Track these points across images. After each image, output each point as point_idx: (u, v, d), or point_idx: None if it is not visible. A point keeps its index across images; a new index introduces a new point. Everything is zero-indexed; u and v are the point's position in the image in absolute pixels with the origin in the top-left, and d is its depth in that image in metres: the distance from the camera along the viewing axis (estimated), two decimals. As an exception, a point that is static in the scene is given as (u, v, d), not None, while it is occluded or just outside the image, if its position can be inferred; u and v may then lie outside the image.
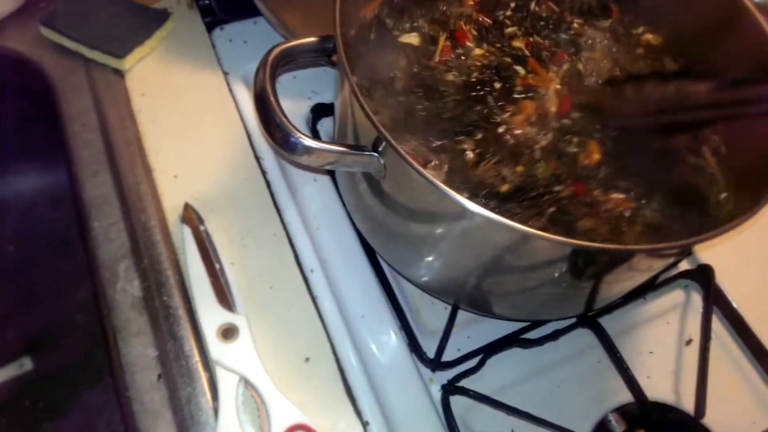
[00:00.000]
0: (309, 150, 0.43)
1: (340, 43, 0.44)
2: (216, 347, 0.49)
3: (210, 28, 0.71)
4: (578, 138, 0.52)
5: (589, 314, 0.57)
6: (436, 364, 0.53)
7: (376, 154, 0.43)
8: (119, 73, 0.66)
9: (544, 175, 0.49)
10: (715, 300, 0.61)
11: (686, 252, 0.61)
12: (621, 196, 0.49)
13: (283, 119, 0.43)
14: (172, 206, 0.58)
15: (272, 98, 0.43)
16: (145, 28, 0.67)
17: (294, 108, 0.68)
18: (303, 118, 0.67)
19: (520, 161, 0.50)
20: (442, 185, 0.39)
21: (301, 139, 0.43)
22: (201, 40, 0.70)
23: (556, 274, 0.45)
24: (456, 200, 0.38)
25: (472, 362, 0.55)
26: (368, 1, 0.54)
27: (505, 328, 0.57)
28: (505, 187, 0.48)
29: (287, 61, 0.47)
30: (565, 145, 0.51)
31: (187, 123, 0.63)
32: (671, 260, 0.59)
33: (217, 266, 0.54)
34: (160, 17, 0.68)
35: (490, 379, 0.55)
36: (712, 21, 0.55)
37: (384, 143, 0.42)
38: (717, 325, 0.61)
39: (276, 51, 0.46)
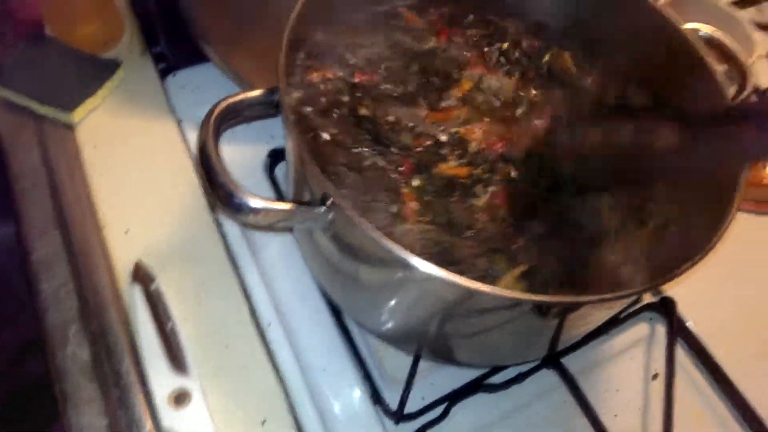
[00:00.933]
0: (254, 210, 0.42)
1: (286, 101, 0.43)
2: (168, 414, 0.47)
3: (163, 74, 0.71)
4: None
5: (553, 354, 0.56)
6: (399, 416, 0.52)
7: (324, 209, 0.43)
8: (69, 127, 0.64)
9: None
10: (678, 332, 0.61)
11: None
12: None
13: (226, 178, 0.41)
14: (122, 264, 0.56)
15: (214, 157, 0.42)
16: (95, 78, 0.66)
17: (251, 154, 0.67)
18: (260, 164, 0.66)
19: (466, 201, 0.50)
20: (386, 240, 0.38)
21: (245, 200, 0.41)
22: (153, 88, 0.69)
23: (513, 323, 0.45)
24: (399, 256, 0.38)
25: (437, 411, 0.53)
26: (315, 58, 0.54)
27: (469, 373, 0.56)
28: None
29: (233, 115, 0.46)
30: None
31: (140, 174, 0.62)
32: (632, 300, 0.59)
33: (169, 325, 0.52)
34: (110, 67, 0.67)
35: (456, 427, 0.54)
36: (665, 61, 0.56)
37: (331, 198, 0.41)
38: (682, 357, 0.60)
39: (220, 107, 0.45)
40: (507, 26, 0.62)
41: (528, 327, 0.46)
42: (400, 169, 0.52)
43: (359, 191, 0.48)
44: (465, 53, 0.60)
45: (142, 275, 0.54)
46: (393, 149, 0.52)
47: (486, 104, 0.57)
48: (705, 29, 0.54)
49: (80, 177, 0.62)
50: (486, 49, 0.60)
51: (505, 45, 0.61)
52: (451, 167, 0.53)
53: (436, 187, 0.51)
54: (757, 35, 0.73)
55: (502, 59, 0.60)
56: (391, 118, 0.54)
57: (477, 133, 0.55)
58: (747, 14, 0.88)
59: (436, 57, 0.59)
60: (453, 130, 0.55)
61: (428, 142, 0.54)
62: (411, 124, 0.54)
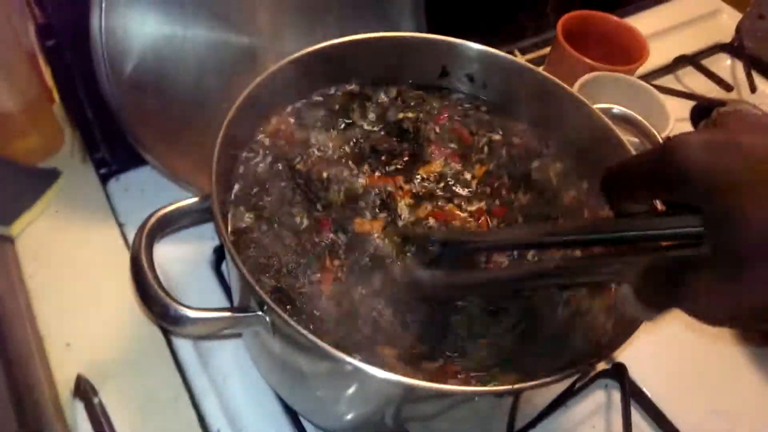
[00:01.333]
0: (192, 321, 0.42)
1: (217, 211, 0.44)
2: None
3: (105, 179, 0.71)
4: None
5: (513, 432, 0.56)
6: None
7: (261, 314, 0.43)
8: (8, 239, 0.64)
9: None
10: (633, 395, 0.61)
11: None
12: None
13: (160, 292, 0.41)
14: (64, 379, 0.54)
15: (147, 270, 0.42)
16: (33, 189, 0.65)
17: (197, 251, 0.66)
18: (206, 261, 0.66)
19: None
20: (320, 341, 0.38)
21: (181, 311, 0.41)
22: (95, 194, 0.69)
23: (463, 410, 0.45)
24: (339, 357, 0.38)
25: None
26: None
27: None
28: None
29: (167, 225, 0.47)
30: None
31: (82, 284, 0.61)
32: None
33: (114, 442, 0.50)
34: (49, 177, 0.67)
35: None
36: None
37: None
38: (639, 420, 0.61)
39: (153, 218, 0.46)
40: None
41: (481, 411, 0.46)
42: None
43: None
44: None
45: (83, 389, 0.53)
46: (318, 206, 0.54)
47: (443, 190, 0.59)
48: (617, 107, 0.57)
49: (20, 289, 0.60)
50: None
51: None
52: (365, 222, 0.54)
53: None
54: (672, 103, 0.78)
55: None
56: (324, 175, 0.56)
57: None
58: (664, 82, 0.94)
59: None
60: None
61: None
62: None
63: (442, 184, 0.59)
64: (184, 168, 0.64)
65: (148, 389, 0.55)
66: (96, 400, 0.53)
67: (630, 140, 0.54)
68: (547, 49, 0.87)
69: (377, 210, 0.55)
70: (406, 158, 0.60)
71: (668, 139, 0.41)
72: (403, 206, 0.56)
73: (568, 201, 0.57)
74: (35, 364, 0.56)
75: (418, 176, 0.59)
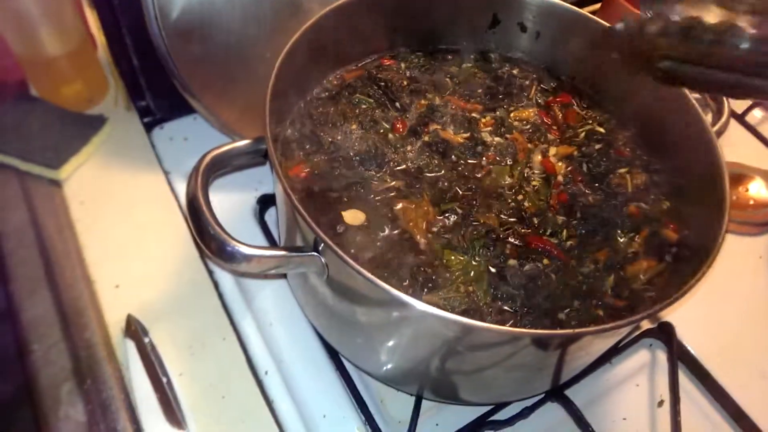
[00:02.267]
0: (247, 258, 0.42)
1: (272, 149, 0.43)
2: (166, 472, 0.46)
3: (149, 128, 0.71)
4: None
5: (557, 387, 0.56)
6: (404, 459, 0.51)
7: (316, 254, 0.42)
8: (56, 183, 0.64)
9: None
10: (679, 356, 0.60)
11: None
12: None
13: (217, 229, 0.41)
14: (114, 319, 0.55)
15: (205, 208, 0.42)
16: (80, 135, 0.66)
17: (240, 200, 0.67)
18: (250, 210, 0.66)
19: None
20: (381, 282, 0.37)
21: (237, 248, 0.41)
22: (140, 142, 0.69)
23: (513, 358, 0.44)
24: (395, 296, 0.37)
25: (443, 452, 0.52)
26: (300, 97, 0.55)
27: (473, 411, 0.55)
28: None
29: (221, 166, 0.47)
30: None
31: (129, 228, 0.62)
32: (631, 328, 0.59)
33: (164, 380, 0.51)
34: (95, 123, 0.67)
35: (462, 467, 0.52)
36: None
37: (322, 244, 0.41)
38: (686, 382, 0.60)
39: (207, 158, 0.45)
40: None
41: (529, 361, 0.46)
42: (398, 126, 0.55)
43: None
44: None
45: (134, 330, 0.54)
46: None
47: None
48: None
49: (69, 234, 0.61)
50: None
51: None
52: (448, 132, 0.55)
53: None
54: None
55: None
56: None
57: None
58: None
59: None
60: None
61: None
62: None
63: (529, 127, 0.59)
64: (230, 117, 0.64)
65: (197, 330, 0.55)
66: (146, 340, 0.53)
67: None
68: (597, 6, 0.85)
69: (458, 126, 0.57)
70: (500, 96, 0.61)
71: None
72: (486, 132, 0.57)
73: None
74: (86, 304, 0.56)
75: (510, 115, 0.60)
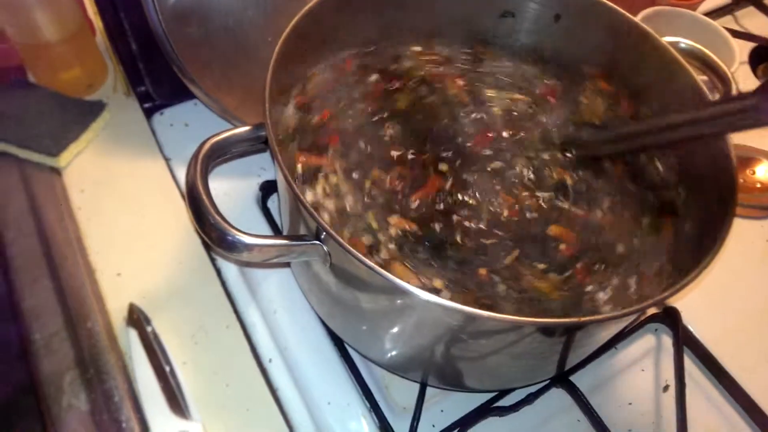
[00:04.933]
0: (249, 247, 0.41)
1: (272, 135, 0.42)
2: (171, 461, 0.46)
3: (149, 113, 0.70)
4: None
5: (562, 373, 0.55)
6: (409, 446, 0.51)
7: (318, 243, 0.42)
8: (56, 171, 0.64)
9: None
10: (685, 342, 0.60)
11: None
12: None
13: (218, 218, 0.41)
14: (116, 308, 0.55)
15: (204, 196, 0.42)
16: (79, 122, 0.65)
17: (242, 187, 0.66)
18: (253, 197, 0.66)
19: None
20: (384, 271, 0.37)
21: (238, 237, 0.41)
22: (140, 128, 0.68)
23: (518, 345, 0.44)
24: (398, 285, 0.37)
25: (448, 439, 0.52)
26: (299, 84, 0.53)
27: (478, 397, 0.55)
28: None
29: (221, 153, 0.46)
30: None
31: (130, 216, 0.61)
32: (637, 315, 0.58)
33: (168, 369, 0.51)
34: (95, 109, 0.66)
35: (468, 454, 0.52)
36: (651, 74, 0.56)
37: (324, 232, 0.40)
38: (692, 367, 0.60)
39: (207, 145, 0.45)
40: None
41: (534, 348, 0.45)
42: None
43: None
44: None
45: (136, 318, 0.53)
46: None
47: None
48: (685, 42, 0.54)
49: (69, 221, 0.61)
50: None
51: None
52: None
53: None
54: (736, 43, 0.74)
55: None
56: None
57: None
58: (723, 23, 0.88)
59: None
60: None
61: None
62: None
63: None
64: (230, 102, 0.63)
65: (200, 318, 0.55)
66: (149, 329, 0.53)
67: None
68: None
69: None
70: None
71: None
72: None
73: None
74: (88, 293, 0.56)
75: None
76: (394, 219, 0.52)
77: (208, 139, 0.45)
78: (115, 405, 0.50)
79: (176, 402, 0.49)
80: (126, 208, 0.62)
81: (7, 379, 0.64)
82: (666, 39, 0.54)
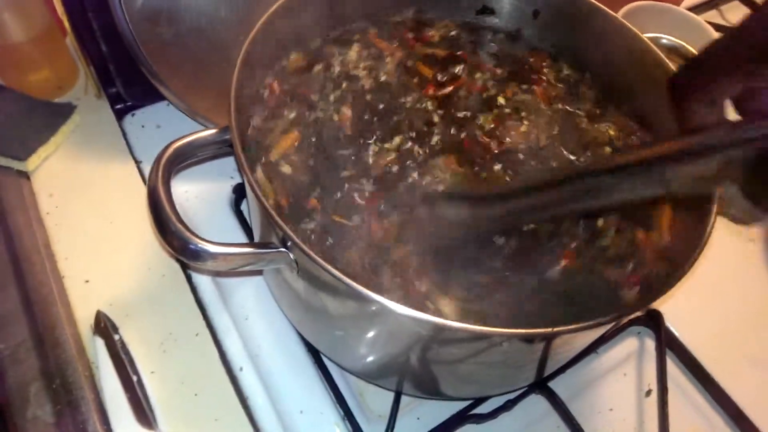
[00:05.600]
0: (213, 256, 0.40)
1: (237, 140, 0.41)
2: (135, 475, 0.45)
3: (121, 115, 0.68)
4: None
5: (541, 379, 0.54)
6: (384, 455, 0.50)
7: (285, 250, 0.41)
8: (24, 175, 0.62)
9: None
10: (668, 344, 0.59)
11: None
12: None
13: (179, 225, 0.39)
14: (84, 316, 0.54)
15: (166, 202, 0.40)
16: (48, 124, 0.63)
17: (215, 189, 0.65)
18: (226, 199, 0.64)
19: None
20: (348, 279, 0.36)
21: (201, 246, 0.39)
22: (111, 130, 0.67)
23: (494, 355, 0.43)
24: (363, 293, 0.36)
25: (424, 448, 0.51)
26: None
27: (455, 404, 0.54)
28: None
29: (185, 158, 0.44)
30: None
31: (99, 220, 0.60)
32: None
33: (135, 378, 0.50)
34: (64, 111, 0.65)
35: (445, 463, 0.51)
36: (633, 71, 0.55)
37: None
38: (674, 370, 0.59)
39: (170, 149, 0.43)
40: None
41: (510, 356, 0.44)
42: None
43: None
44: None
45: (103, 327, 0.52)
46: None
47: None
48: (667, 38, 0.53)
49: (37, 226, 0.59)
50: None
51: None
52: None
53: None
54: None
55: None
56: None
57: None
58: (707, 17, 0.87)
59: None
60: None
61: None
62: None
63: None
64: (202, 104, 0.62)
65: (169, 326, 0.54)
66: (117, 337, 0.52)
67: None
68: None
69: None
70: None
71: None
72: None
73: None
74: (55, 301, 0.55)
75: None
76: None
77: (172, 143, 0.44)
78: (82, 416, 0.49)
79: (143, 412, 0.48)
80: (96, 213, 0.60)
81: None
82: (647, 35, 0.53)
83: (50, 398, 0.50)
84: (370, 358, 0.47)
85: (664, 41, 0.53)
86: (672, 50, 0.53)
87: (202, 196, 0.63)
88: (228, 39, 0.60)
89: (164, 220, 0.40)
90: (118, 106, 0.68)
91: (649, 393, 0.57)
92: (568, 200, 0.39)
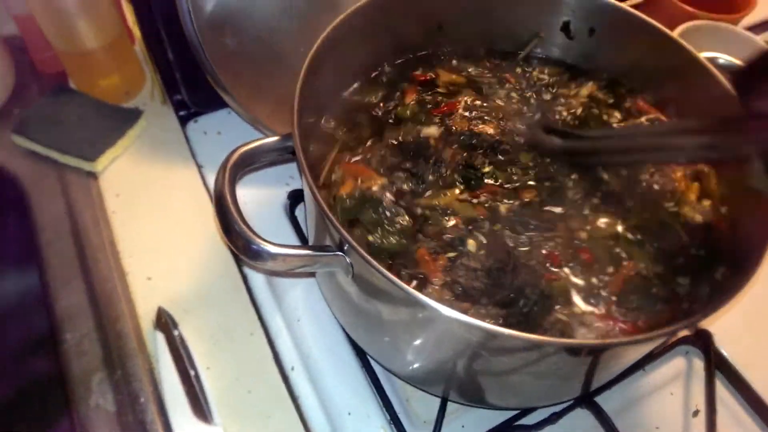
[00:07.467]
0: (273, 256, 0.41)
1: (299, 147, 0.43)
2: (192, 465, 0.47)
3: (184, 121, 0.72)
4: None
5: (587, 394, 0.54)
6: (428, 461, 0.50)
7: (341, 254, 0.42)
8: (93, 175, 0.65)
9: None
10: (717, 366, 0.58)
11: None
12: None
13: (243, 227, 0.41)
14: (145, 311, 0.56)
15: (231, 205, 0.42)
16: (116, 128, 0.67)
17: (271, 195, 0.67)
18: (281, 205, 0.66)
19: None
20: (405, 285, 0.37)
21: (263, 246, 0.41)
22: (175, 135, 0.70)
23: (541, 364, 0.43)
24: (420, 299, 0.37)
25: (468, 455, 0.52)
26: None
27: (500, 414, 0.54)
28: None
29: (249, 162, 0.47)
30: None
31: (162, 221, 0.63)
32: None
33: (192, 373, 0.52)
34: (132, 116, 0.68)
35: (488, 472, 0.52)
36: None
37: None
38: (723, 392, 0.58)
39: (236, 154, 0.45)
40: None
41: (558, 368, 0.44)
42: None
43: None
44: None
45: (164, 322, 0.54)
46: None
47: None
48: (724, 57, 0.52)
49: (104, 224, 0.62)
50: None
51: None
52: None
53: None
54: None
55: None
56: None
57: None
58: (766, 38, 0.86)
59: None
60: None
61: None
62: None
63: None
64: (263, 112, 0.64)
65: (225, 324, 0.56)
66: (176, 333, 0.54)
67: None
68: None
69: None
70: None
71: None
72: None
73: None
74: (119, 296, 0.58)
75: None
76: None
77: (238, 148, 0.46)
78: (141, 407, 0.51)
79: (199, 406, 0.50)
80: (158, 214, 0.63)
81: (37, 376, 0.66)
82: (704, 54, 0.53)
83: (112, 388, 0.52)
84: (418, 363, 0.48)
85: (721, 61, 0.53)
86: (729, 70, 0.52)
87: (259, 201, 0.65)
88: (289, 50, 0.62)
89: (229, 221, 0.42)
90: (182, 113, 0.71)
91: (696, 413, 0.56)
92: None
